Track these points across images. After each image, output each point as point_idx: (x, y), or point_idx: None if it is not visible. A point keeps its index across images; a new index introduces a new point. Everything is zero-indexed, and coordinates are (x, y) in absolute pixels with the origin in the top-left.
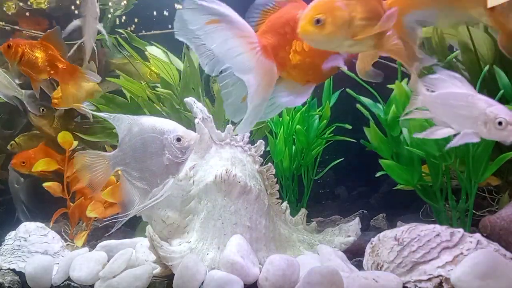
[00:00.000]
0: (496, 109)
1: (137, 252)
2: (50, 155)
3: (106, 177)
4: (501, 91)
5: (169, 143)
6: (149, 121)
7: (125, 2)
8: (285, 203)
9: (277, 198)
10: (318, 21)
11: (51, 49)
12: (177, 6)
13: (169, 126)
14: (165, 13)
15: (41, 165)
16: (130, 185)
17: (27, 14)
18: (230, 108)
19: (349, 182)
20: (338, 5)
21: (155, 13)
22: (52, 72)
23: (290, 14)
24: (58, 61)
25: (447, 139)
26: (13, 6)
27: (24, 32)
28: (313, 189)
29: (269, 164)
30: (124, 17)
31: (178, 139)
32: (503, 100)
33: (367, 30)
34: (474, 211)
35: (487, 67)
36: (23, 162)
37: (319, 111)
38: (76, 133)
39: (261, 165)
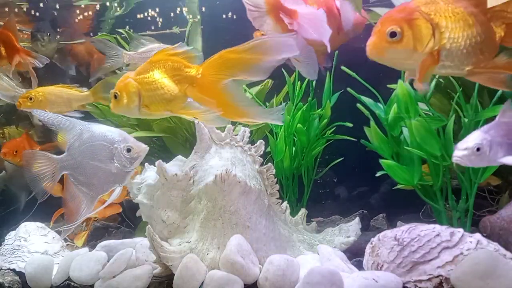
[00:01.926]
0: None
1: (137, 252)
2: (32, 145)
3: (54, 180)
4: (500, 91)
5: (118, 153)
6: (100, 129)
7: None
8: (285, 203)
9: (277, 198)
10: (115, 96)
11: (10, 37)
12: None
13: (120, 136)
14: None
15: None
16: (76, 190)
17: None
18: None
19: (349, 182)
20: (129, 82)
21: (155, 13)
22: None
23: None
24: (15, 48)
25: (448, 139)
26: None
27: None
28: (313, 189)
29: (269, 164)
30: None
31: (128, 150)
32: (503, 100)
33: (155, 105)
34: (474, 211)
35: None
36: (16, 151)
37: (319, 111)
38: None
39: (261, 165)
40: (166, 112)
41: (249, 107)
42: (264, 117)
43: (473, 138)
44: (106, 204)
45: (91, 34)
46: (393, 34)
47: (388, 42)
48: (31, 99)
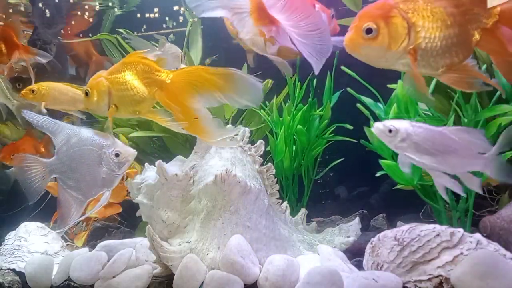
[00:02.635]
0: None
1: (137, 252)
2: (36, 146)
3: (44, 183)
4: None
5: (107, 158)
6: (88, 134)
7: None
8: (285, 203)
9: (277, 198)
10: (86, 93)
11: (10, 34)
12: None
13: (108, 141)
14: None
15: None
16: (65, 194)
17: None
18: None
19: (349, 182)
20: (100, 81)
21: (155, 13)
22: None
23: None
24: (14, 44)
25: None
26: None
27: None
28: (313, 189)
29: (269, 164)
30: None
31: (117, 155)
32: (502, 100)
33: (124, 105)
34: (474, 211)
35: (484, 66)
36: (13, 155)
37: (319, 111)
38: None
39: (261, 165)
40: (135, 113)
41: (209, 126)
42: (220, 140)
43: (396, 122)
44: (94, 210)
45: (81, 35)
46: (369, 31)
47: (363, 38)
48: (33, 91)
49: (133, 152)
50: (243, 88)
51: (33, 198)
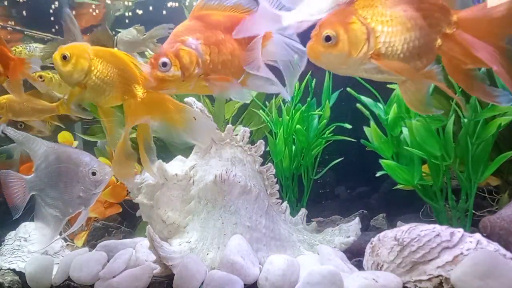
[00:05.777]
0: None
1: (137, 252)
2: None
3: (24, 199)
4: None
5: (83, 176)
6: (65, 151)
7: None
8: (285, 203)
9: (277, 198)
10: (65, 57)
11: (3, 49)
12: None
13: (85, 159)
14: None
15: None
16: (44, 211)
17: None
18: None
19: (349, 182)
20: (84, 59)
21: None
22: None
23: None
24: (8, 57)
25: (448, 139)
26: None
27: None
28: (313, 189)
29: (269, 164)
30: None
31: (93, 173)
32: None
33: (91, 92)
34: (474, 211)
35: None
36: None
37: (319, 111)
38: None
39: (261, 165)
40: (95, 103)
41: (130, 160)
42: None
43: None
44: (72, 231)
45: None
46: (328, 38)
47: (323, 46)
48: (40, 77)
49: (109, 170)
50: (193, 131)
51: (16, 213)
